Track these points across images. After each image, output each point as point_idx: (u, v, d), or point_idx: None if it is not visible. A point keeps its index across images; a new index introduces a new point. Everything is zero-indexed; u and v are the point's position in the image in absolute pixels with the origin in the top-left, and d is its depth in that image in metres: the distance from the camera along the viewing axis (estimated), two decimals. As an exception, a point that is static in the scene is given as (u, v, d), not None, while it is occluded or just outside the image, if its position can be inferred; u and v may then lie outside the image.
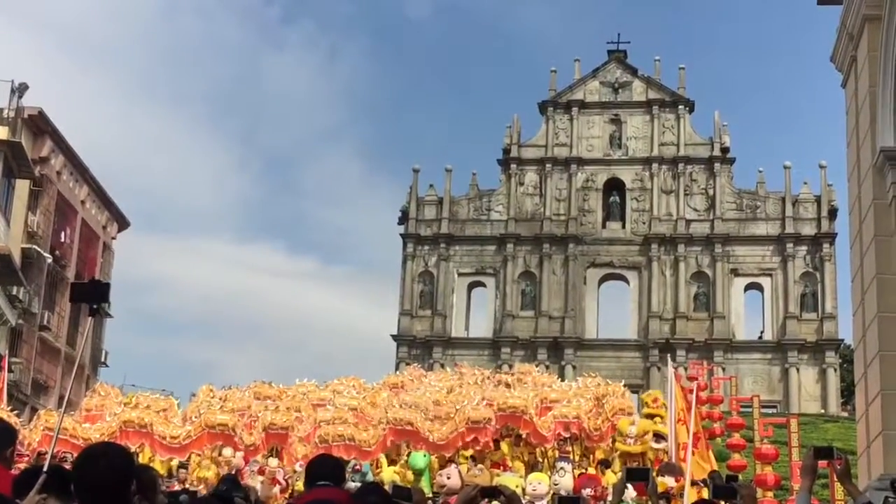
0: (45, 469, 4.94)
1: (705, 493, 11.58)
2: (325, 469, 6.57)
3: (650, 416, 18.37)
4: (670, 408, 17.84)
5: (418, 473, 17.05)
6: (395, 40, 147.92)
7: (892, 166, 11.40)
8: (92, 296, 6.59)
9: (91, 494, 4.37)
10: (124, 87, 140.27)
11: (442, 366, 46.08)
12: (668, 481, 14.78)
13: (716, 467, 17.09)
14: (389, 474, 17.25)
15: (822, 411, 48.68)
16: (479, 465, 17.50)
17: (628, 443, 17.34)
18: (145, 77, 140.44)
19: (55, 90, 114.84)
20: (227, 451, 18.31)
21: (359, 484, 12.51)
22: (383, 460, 18.45)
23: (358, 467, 17.55)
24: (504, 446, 18.65)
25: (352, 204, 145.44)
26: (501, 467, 18.05)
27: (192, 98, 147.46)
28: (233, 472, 17.16)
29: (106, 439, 16.90)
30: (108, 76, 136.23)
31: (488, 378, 22.12)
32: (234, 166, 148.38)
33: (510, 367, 35.00)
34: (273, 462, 18.25)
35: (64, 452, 17.07)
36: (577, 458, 18.53)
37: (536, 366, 48.68)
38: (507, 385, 20.99)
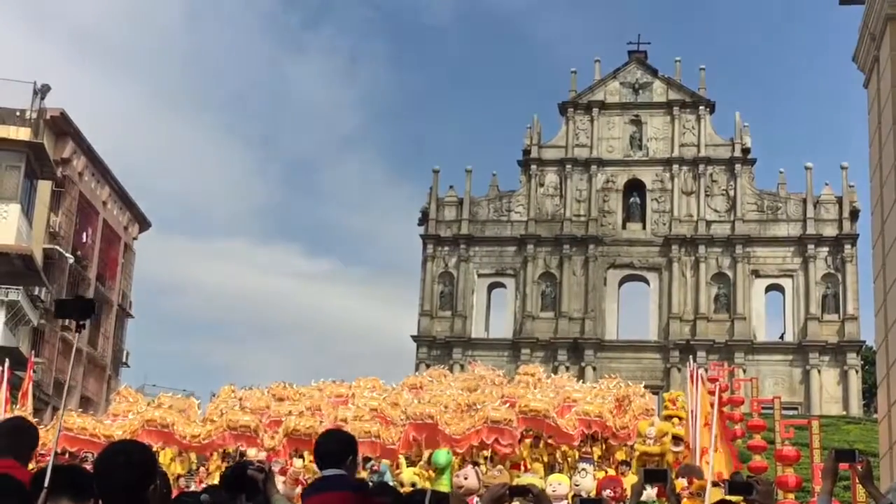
0: (45, 485, 4.87)
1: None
2: (330, 446, 6.08)
3: (669, 418, 18.31)
4: (689, 409, 17.74)
5: (440, 471, 17.01)
6: (414, 44, 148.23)
7: (915, 167, 11.33)
8: (76, 312, 6.49)
9: (110, 492, 4.38)
10: (146, 90, 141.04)
11: (462, 367, 46.09)
12: (682, 482, 14.72)
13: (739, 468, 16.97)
14: (409, 475, 17.24)
15: (844, 413, 48.38)
16: (499, 466, 17.45)
17: (648, 443, 17.28)
18: (167, 80, 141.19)
19: (77, 92, 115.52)
20: (252, 451, 18.38)
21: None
22: (402, 461, 18.46)
23: (376, 468, 17.56)
24: (523, 447, 18.61)
25: (371, 206, 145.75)
26: (521, 468, 18.02)
27: (213, 102, 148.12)
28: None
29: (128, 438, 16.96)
30: (129, 79, 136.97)
31: (506, 381, 22.11)
32: (255, 170, 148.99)
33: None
34: (298, 463, 18.30)
35: (85, 452, 17.16)
36: (597, 460, 18.49)
37: (556, 367, 49.11)
38: (535, 384, 20.98)
